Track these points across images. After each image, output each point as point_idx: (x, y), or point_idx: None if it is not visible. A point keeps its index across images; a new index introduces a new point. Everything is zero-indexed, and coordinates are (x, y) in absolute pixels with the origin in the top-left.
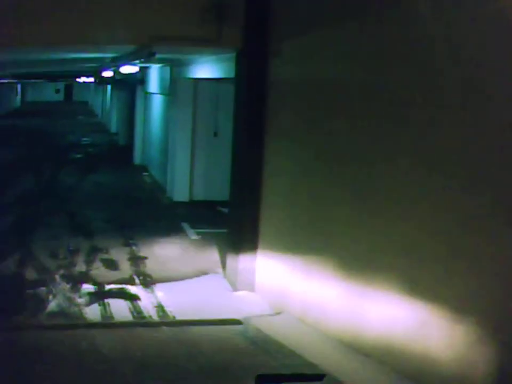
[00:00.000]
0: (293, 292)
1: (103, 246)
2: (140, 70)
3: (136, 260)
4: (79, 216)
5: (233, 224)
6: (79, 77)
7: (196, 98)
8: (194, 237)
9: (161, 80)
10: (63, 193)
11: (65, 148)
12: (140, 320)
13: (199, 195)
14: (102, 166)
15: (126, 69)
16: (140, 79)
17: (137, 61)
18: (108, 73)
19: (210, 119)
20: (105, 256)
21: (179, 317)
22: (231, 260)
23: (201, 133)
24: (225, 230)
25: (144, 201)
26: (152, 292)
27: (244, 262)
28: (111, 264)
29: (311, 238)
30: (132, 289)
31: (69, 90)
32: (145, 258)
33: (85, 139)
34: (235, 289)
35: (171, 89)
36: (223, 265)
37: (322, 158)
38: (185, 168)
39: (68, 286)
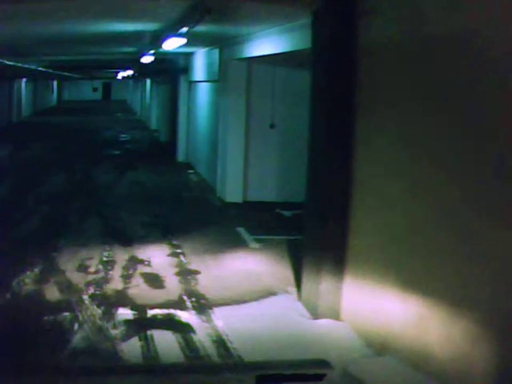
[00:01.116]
0: (400, 324)
1: (144, 256)
2: (183, 57)
3: (186, 275)
4: (115, 219)
5: (312, 233)
6: (117, 71)
7: (250, 83)
8: (254, 245)
9: (209, 65)
10: (98, 193)
11: (102, 145)
12: (195, 362)
13: (254, 195)
14: (141, 163)
15: (171, 44)
16: (183, 68)
17: (186, 29)
18: (147, 59)
19: (266, 107)
20: (147, 269)
21: (246, 356)
22: (308, 277)
23: (256, 124)
24: (289, 237)
25: (191, 202)
26: (209, 319)
27: (327, 282)
28: (155, 281)
29: (428, 256)
30: (183, 315)
31: (107, 88)
32: (197, 272)
33: (123, 136)
34: (315, 316)
35: (220, 74)
36: (297, 284)
37: (452, 151)
38: (238, 165)
39: (99, 310)
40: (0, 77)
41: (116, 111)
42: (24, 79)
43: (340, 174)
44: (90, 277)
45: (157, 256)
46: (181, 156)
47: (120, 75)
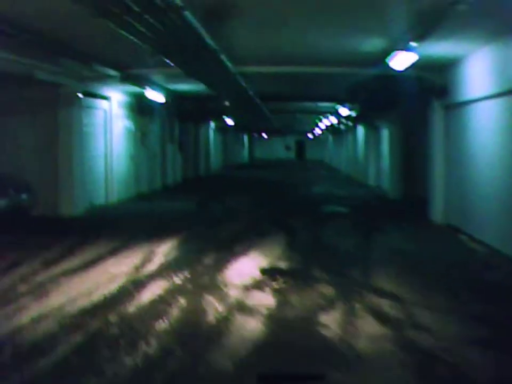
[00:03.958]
0: None
1: None
2: (437, 71)
3: None
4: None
5: None
6: (320, 117)
7: None
8: None
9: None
10: (344, 269)
11: (317, 201)
12: None
13: None
14: (383, 224)
15: None
16: (439, 88)
17: None
18: (403, 60)
19: None
20: None
21: None
22: None
23: None
24: None
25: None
26: None
27: None
28: None
29: None
30: None
31: (300, 146)
32: None
33: (337, 192)
34: None
35: None
36: None
37: None
38: None
39: None
40: (186, 115)
41: (314, 169)
42: (211, 125)
43: None
44: None
45: None
46: (437, 216)
47: (323, 124)
